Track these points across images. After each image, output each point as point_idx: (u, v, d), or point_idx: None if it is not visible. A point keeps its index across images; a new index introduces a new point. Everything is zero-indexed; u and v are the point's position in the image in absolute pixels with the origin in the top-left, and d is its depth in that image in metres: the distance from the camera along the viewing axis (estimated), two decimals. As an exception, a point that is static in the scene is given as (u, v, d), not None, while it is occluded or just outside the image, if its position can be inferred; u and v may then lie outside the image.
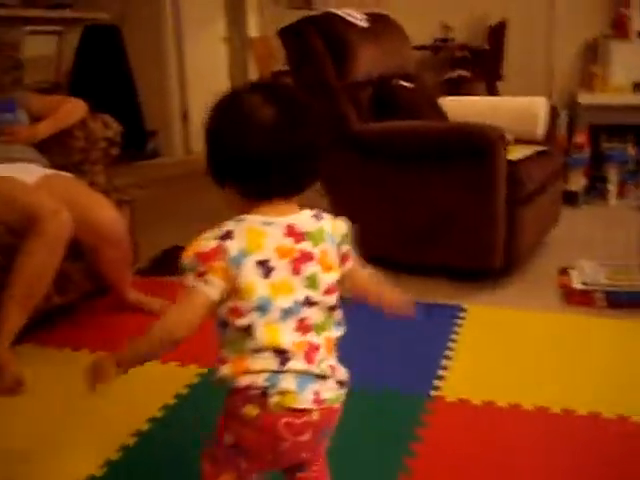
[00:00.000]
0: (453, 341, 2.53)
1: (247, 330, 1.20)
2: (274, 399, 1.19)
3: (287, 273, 1.22)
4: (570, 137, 4.68)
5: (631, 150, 4.71)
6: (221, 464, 1.32)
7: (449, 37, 5.71)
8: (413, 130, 3.13)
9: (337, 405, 1.28)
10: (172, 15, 6.87)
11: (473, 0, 5.64)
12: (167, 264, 3.30)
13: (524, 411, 2.05)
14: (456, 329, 2.63)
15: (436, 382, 2.23)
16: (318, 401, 1.22)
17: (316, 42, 3.28)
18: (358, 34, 3.42)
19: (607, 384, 2.22)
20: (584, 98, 4.72)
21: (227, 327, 1.23)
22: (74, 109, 2.97)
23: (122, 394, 2.00)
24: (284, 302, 1.21)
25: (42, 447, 1.96)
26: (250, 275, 1.19)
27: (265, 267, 1.20)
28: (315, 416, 1.23)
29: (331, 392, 1.26)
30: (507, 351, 2.47)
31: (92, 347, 2.54)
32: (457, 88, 5.41)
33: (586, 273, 2.95)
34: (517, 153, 3.11)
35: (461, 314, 2.76)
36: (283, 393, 1.19)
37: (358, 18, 3.56)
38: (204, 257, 1.19)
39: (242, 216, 1.24)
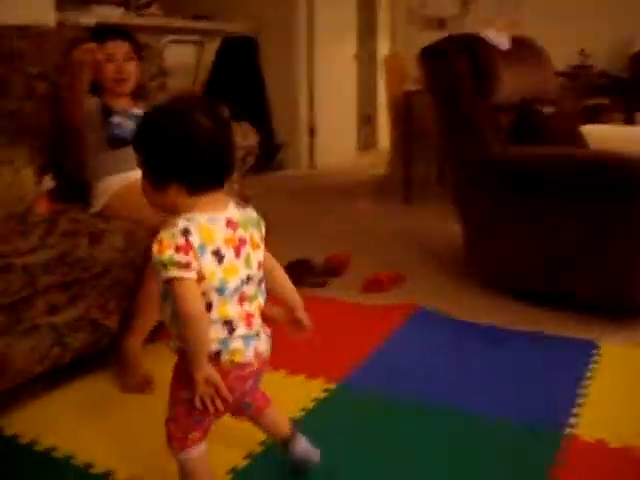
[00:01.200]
0: (588, 378, 2.41)
1: (207, 307, 1.48)
2: (226, 357, 1.51)
3: (232, 258, 1.51)
4: None
5: None
6: (181, 422, 1.58)
7: (587, 64, 5.54)
8: (557, 157, 3.02)
9: (268, 355, 1.62)
10: (306, 31, 6.98)
11: (615, 26, 5.47)
12: (291, 276, 3.30)
13: (667, 461, 1.93)
14: (591, 366, 2.51)
15: (571, 420, 2.13)
16: (257, 354, 1.56)
17: (460, 63, 3.23)
18: (501, 56, 3.35)
19: None
20: None
21: None
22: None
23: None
24: (233, 282, 1.51)
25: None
26: (209, 263, 1.47)
27: (218, 255, 1.48)
28: (255, 366, 1.56)
29: (264, 345, 1.59)
30: (646, 394, 2.34)
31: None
32: (595, 117, 5.22)
33: None
34: (663, 187, 2.96)
35: (596, 351, 2.63)
36: (233, 352, 1.51)
37: (500, 40, 3.49)
38: (183, 249, 1.43)
39: (189, 215, 1.48)
